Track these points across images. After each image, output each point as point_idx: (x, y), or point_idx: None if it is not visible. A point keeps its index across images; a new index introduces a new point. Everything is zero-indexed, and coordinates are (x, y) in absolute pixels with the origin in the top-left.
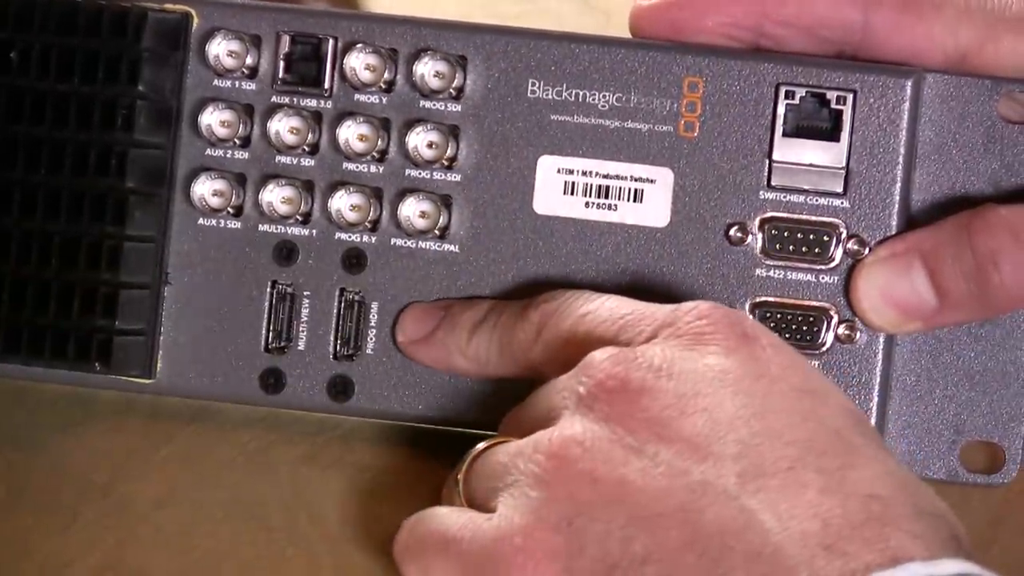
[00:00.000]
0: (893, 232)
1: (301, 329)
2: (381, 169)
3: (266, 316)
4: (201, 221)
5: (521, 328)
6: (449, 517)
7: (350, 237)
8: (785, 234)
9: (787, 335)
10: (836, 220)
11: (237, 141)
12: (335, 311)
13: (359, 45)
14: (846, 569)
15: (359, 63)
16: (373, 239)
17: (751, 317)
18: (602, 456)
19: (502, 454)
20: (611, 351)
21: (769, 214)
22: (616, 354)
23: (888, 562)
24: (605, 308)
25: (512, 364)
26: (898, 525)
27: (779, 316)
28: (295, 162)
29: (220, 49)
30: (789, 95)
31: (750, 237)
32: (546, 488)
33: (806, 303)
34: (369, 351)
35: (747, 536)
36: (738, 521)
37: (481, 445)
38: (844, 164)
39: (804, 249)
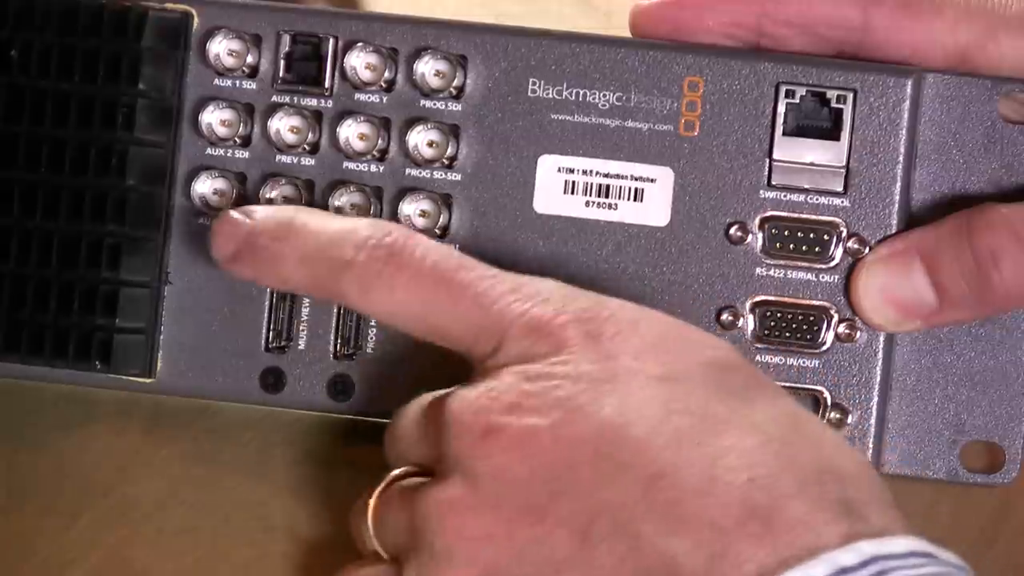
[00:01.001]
0: (893, 231)
1: (301, 328)
2: (381, 168)
3: (266, 315)
4: (202, 220)
5: (350, 273)
6: None
7: None
8: (785, 233)
9: (787, 334)
10: (836, 219)
11: (237, 140)
12: (335, 310)
13: (359, 44)
14: (739, 574)
15: (359, 62)
16: None
17: (595, 301)
18: (490, 515)
19: (404, 503)
20: (468, 399)
21: (769, 213)
22: (472, 403)
23: (776, 555)
24: (459, 280)
25: (336, 300)
26: (781, 509)
27: (779, 315)
28: (295, 161)
29: (220, 48)
30: (789, 94)
31: (750, 236)
32: (448, 558)
33: (806, 302)
34: (369, 350)
35: (645, 564)
36: (633, 552)
37: (381, 485)
38: (844, 163)
39: (804, 248)
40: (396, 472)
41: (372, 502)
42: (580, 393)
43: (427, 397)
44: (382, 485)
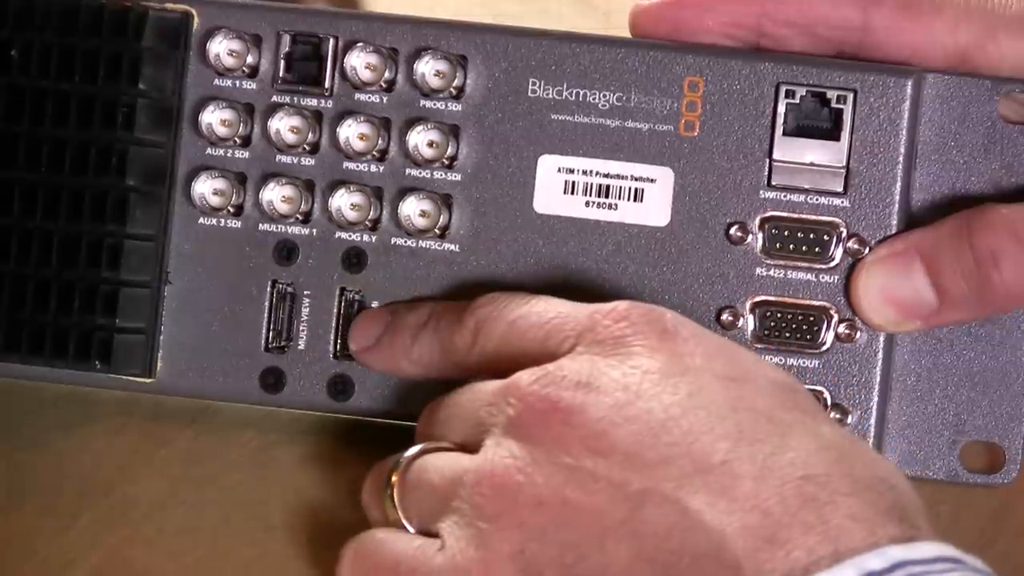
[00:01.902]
0: (893, 231)
1: (301, 328)
2: (381, 168)
3: (266, 315)
4: (201, 220)
5: (458, 333)
6: (396, 545)
7: (350, 236)
8: (785, 233)
9: (787, 334)
10: (836, 219)
11: (237, 140)
12: (335, 310)
13: (359, 44)
14: (788, 559)
15: (359, 62)
16: (373, 238)
17: (669, 312)
18: (543, 480)
19: (438, 473)
20: (537, 373)
21: (769, 213)
22: (542, 376)
23: (829, 544)
24: (533, 313)
25: (453, 368)
26: (836, 504)
27: (779, 315)
28: (295, 161)
29: (221, 48)
30: (789, 94)
31: (750, 236)
32: (494, 520)
33: (806, 302)
34: None
35: (692, 539)
36: (681, 525)
37: (414, 450)
38: (844, 163)
39: (804, 248)
40: (425, 445)
41: (396, 473)
42: (650, 380)
43: (487, 383)
44: (411, 454)
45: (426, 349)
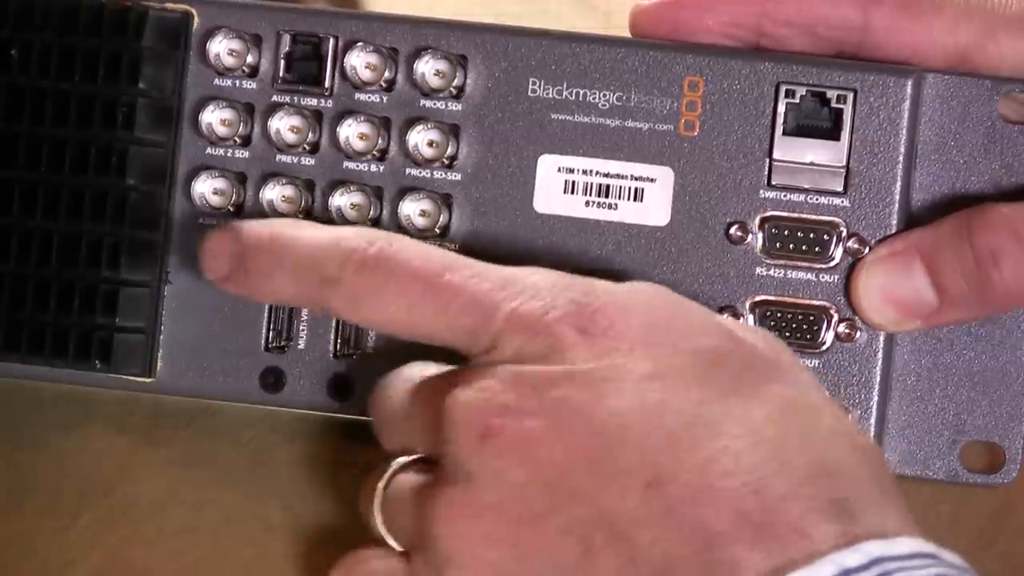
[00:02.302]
0: (893, 231)
1: (301, 328)
2: (381, 168)
3: (266, 315)
4: (202, 220)
5: (338, 292)
6: (374, 568)
7: None
8: (785, 233)
9: (787, 334)
10: (836, 219)
11: (238, 140)
12: None
13: (359, 44)
14: None
15: (359, 62)
16: None
17: (586, 289)
18: (492, 518)
19: (410, 494)
20: (467, 398)
21: (769, 213)
22: (472, 402)
23: (771, 558)
24: (446, 285)
25: (327, 312)
26: (775, 512)
27: (779, 315)
28: (296, 161)
29: (221, 48)
30: (789, 94)
31: (750, 236)
32: (452, 557)
33: (806, 302)
34: (370, 350)
35: (643, 570)
36: (633, 558)
37: (397, 464)
38: (844, 163)
39: (804, 248)
40: (399, 463)
41: (378, 494)
42: (575, 394)
43: (414, 374)
44: (386, 477)
45: (289, 289)
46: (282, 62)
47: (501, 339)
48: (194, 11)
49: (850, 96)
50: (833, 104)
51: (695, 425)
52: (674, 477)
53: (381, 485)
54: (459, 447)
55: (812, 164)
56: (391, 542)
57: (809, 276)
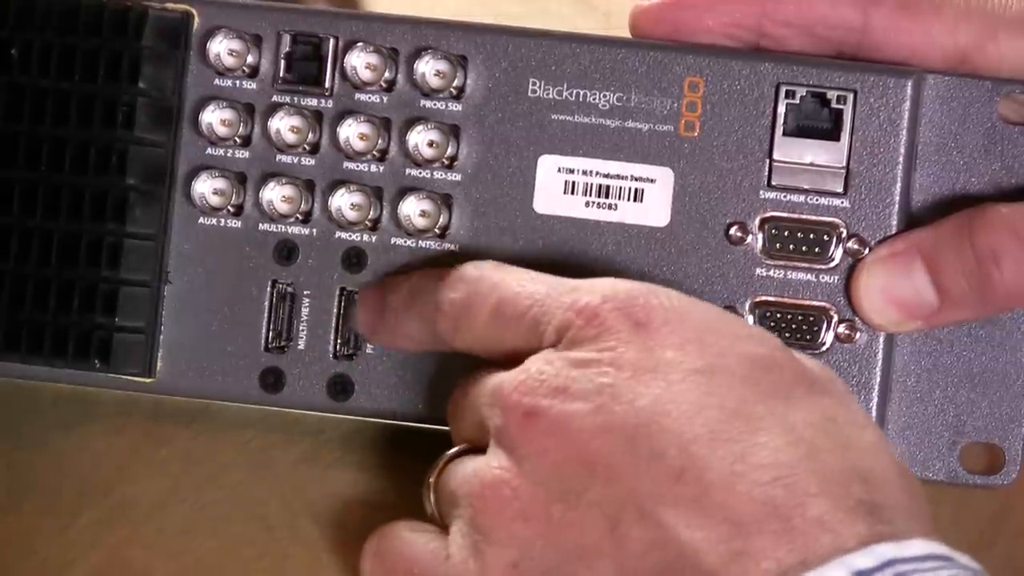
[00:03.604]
0: (893, 232)
1: (301, 328)
2: (381, 168)
3: (266, 315)
4: (201, 220)
5: (440, 320)
6: (414, 545)
7: (350, 236)
8: (785, 234)
9: (787, 335)
10: (836, 220)
11: (238, 140)
12: (335, 310)
13: (360, 44)
14: (759, 571)
15: (360, 62)
16: (373, 238)
17: (643, 297)
18: (529, 495)
19: (455, 479)
20: (518, 378)
21: (769, 213)
22: (521, 384)
23: (797, 553)
24: (512, 300)
25: (447, 347)
26: (803, 507)
27: (779, 316)
28: (296, 161)
29: (221, 48)
30: (789, 95)
31: (750, 236)
32: (487, 533)
33: (806, 303)
34: (369, 350)
35: (669, 555)
36: (658, 541)
37: (451, 453)
38: (844, 164)
39: (804, 249)
40: (452, 452)
41: (433, 475)
42: (622, 381)
43: (489, 378)
44: (441, 462)
45: (415, 330)
46: (282, 62)
47: (558, 326)
48: (194, 11)
49: (850, 97)
50: (833, 105)
51: (735, 418)
52: (707, 465)
53: (437, 469)
54: (506, 424)
55: (812, 165)
56: (436, 515)
57: (809, 277)
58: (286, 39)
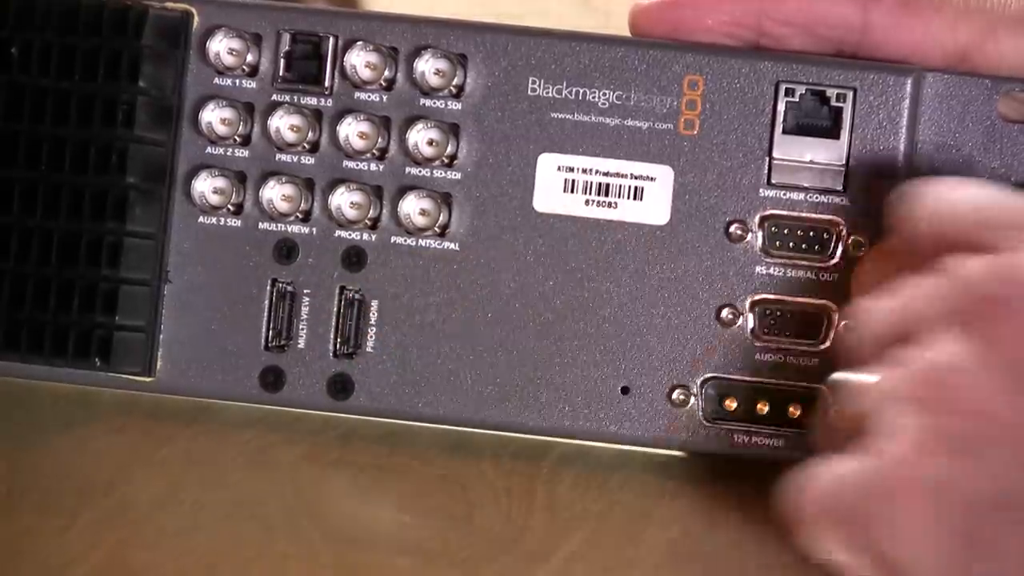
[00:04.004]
0: None
1: (301, 327)
2: (381, 167)
3: (266, 314)
4: (201, 219)
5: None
6: (843, 472)
7: (350, 235)
8: (785, 231)
9: (787, 333)
10: (836, 217)
11: (237, 139)
12: (335, 309)
13: (359, 43)
14: None
15: (359, 61)
16: (373, 237)
17: None
18: (987, 388)
19: (874, 389)
20: (987, 261)
21: (769, 211)
22: (993, 266)
23: None
24: (968, 199)
25: None
26: None
27: (779, 314)
28: (295, 160)
29: (221, 47)
30: (789, 93)
31: (750, 234)
32: (931, 415)
33: (806, 301)
34: (369, 349)
35: None
36: None
37: (842, 376)
38: (844, 162)
39: (804, 247)
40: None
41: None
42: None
43: (922, 280)
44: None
45: None
46: (282, 61)
47: None
48: (194, 10)
49: (850, 95)
50: (833, 103)
51: None
52: None
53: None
54: (971, 311)
55: (812, 163)
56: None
57: (809, 275)
58: (286, 38)
